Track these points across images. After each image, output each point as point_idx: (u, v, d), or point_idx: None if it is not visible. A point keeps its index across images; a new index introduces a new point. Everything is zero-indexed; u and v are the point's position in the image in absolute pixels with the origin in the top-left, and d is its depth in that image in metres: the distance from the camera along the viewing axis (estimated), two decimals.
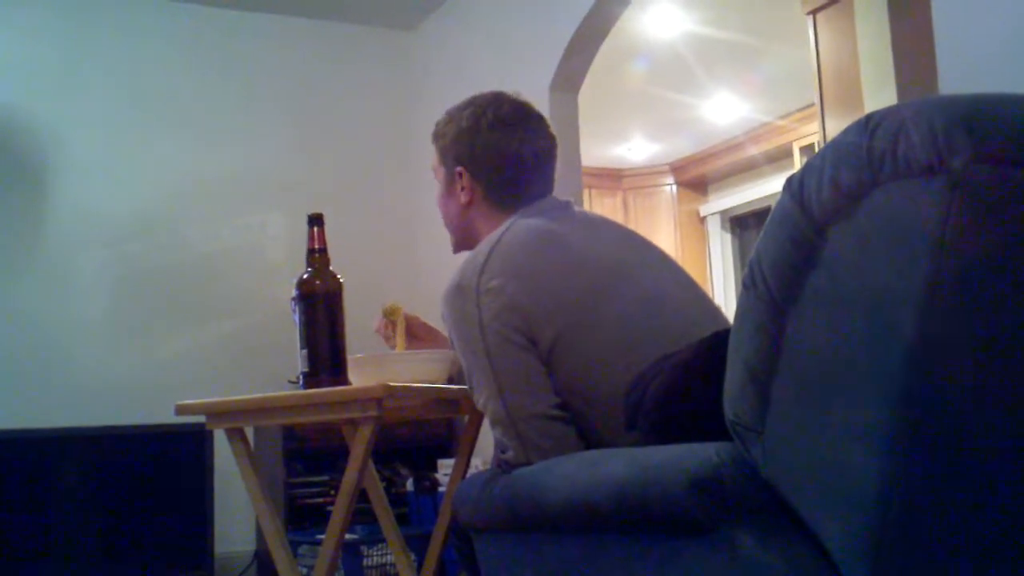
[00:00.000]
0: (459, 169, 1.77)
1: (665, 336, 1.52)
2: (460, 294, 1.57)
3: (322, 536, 1.96)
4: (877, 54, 3.56)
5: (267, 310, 4.20)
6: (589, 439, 1.52)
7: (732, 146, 6.70)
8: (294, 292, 1.79)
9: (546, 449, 1.49)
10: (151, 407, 3.36)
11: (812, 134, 5.69)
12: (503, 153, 1.75)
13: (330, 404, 1.71)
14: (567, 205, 1.77)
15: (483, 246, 1.62)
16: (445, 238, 1.90)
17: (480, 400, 1.56)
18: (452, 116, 1.80)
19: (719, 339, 1.27)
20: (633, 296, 1.59)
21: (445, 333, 1.68)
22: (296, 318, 1.78)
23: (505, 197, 1.76)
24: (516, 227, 1.64)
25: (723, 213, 7.24)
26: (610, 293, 1.58)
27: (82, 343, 4.02)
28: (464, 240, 1.84)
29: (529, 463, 1.49)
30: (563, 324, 1.52)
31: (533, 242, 1.61)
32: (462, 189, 1.78)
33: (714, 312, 1.69)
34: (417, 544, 3.33)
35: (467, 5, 4.47)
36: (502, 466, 1.54)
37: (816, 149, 5.01)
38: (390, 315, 2.03)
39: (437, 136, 1.82)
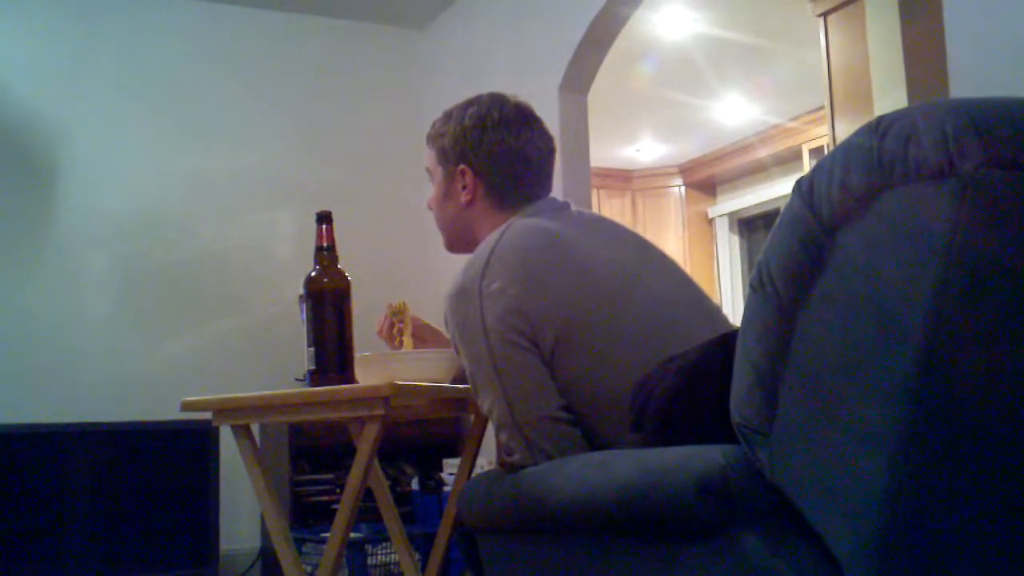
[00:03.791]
0: (462, 168, 1.77)
1: (670, 338, 1.52)
2: (462, 297, 1.57)
3: (327, 534, 1.96)
4: (888, 57, 3.55)
5: (274, 308, 4.20)
6: (592, 441, 1.52)
7: (741, 148, 6.69)
8: (302, 290, 1.79)
9: (552, 452, 1.49)
10: (157, 403, 3.36)
11: (822, 136, 5.68)
12: (508, 152, 1.75)
13: (336, 402, 1.71)
14: (566, 205, 1.77)
15: (483, 248, 1.61)
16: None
17: (485, 404, 1.56)
18: (451, 116, 1.80)
19: (726, 341, 1.27)
20: (636, 297, 1.58)
21: (447, 335, 1.67)
22: (303, 316, 1.78)
23: (506, 197, 1.76)
24: (515, 227, 1.63)
25: (731, 215, 7.23)
26: (612, 294, 1.57)
27: (89, 339, 4.03)
28: (460, 241, 1.83)
29: (536, 466, 1.49)
30: (565, 325, 1.52)
31: (533, 242, 1.60)
32: (463, 188, 1.77)
33: (715, 312, 1.69)
34: (421, 543, 3.33)
35: (477, 5, 4.47)
36: (508, 468, 1.53)
37: (826, 151, 5.00)
38: (397, 314, 2.03)
39: (435, 136, 1.82)
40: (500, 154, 1.75)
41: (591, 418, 1.52)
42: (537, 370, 1.52)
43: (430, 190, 1.87)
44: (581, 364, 1.52)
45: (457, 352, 1.61)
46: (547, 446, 1.49)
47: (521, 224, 1.65)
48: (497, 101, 1.79)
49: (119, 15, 4.26)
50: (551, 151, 1.82)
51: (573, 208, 1.77)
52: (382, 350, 2.00)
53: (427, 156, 1.85)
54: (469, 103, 1.80)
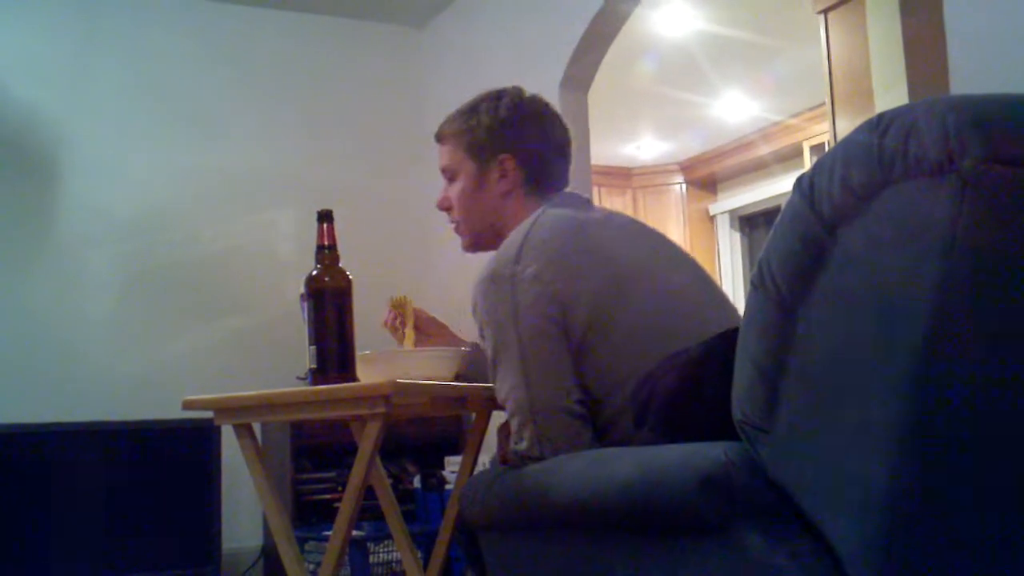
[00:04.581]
0: (502, 157, 1.79)
1: (679, 333, 1.52)
2: (494, 283, 1.57)
3: (329, 532, 1.96)
4: (888, 53, 3.54)
5: (276, 306, 4.20)
6: (605, 432, 1.52)
7: (742, 145, 6.69)
8: (303, 288, 1.79)
9: (559, 445, 1.49)
10: (159, 403, 3.37)
11: (822, 133, 5.68)
12: (546, 140, 1.82)
13: (338, 400, 1.71)
14: (588, 201, 1.83)
15: (514, 237, 1.63)
16: (456, 235, 1.90)
17: (503, 389, 1.56)
18: (477, 109, 1.82)
19: (729, 337, 1.27)
20: (650, 291, 1.60)
21: (455, 328, 1.68)
22: (305, 315, 1.78)
23: (542, 184, 1.81)
24: (545, 216, 1.66)
25: (732, 212, 7.23)
26: (628, 288, 1.58)
27: (91, 339, 4.03)
28: (486, 235, 1.84)
29: (542, 457, 1.49)
30: (595, 311, 1.54)
31: (565, 230, 1.63)
32: (502, 178, 1.80)
33: (730, 309, 1.70)
34: (423, 541, 3.33)
35: (477, 3, 4.47)
36: (512, 456, 1.53)
37: (827, 148, 5.00)
38: (398, 307, 2.03)
39: (461, 132, 1.83)
40: (539, 142, 1.81)
41: (612, 406, 1.52)
42: (562, 361, 1.53)
43: (439, 190, 1.88)
44: (608, 351, 1.53)
45: (482, 338, 1.61)
46: (557, 439, 1.50)
47: (551, 213, 1.68)
48: (520, 93, 1.85)
49: (120, 14, 4.26)
50: (571, 142, 1.88)
51: (594, 204, 1.83)
52: (384, 348, 2.00)
53: (445, 154, 1.86)
54: (495, 96, 1.84)
